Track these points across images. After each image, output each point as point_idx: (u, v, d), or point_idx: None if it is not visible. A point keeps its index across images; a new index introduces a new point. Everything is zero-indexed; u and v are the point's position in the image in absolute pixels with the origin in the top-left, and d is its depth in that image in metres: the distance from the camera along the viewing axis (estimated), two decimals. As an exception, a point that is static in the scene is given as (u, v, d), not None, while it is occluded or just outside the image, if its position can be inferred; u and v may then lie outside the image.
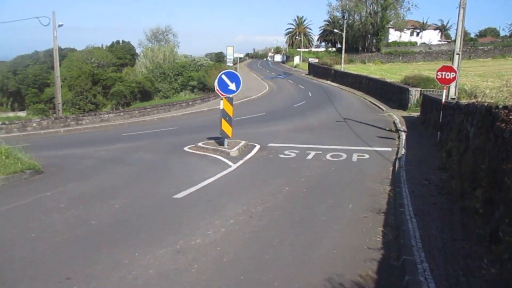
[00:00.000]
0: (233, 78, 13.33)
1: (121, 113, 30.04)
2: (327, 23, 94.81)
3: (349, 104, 30.24)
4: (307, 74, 64.37)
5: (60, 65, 32.12)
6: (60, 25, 27.92)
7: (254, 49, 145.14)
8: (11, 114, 50.29)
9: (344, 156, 12.30)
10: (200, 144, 14.19)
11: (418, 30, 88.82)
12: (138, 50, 72.60)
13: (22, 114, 47.95)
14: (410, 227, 5.75)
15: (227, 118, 13.14)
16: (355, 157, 12.14)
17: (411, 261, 4.63)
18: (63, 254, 5.02)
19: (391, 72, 47.18)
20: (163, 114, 30.70)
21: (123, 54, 72.70)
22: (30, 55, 66.22)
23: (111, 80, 51.05)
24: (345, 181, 9.42)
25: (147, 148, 14.90)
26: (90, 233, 5.86)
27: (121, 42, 76.12)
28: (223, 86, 13.23)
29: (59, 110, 29.03)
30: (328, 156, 12.25)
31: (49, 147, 17.26)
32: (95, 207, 7.18)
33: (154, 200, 7.80)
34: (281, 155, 12.58)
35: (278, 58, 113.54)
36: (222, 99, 13.25)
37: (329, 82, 49.91)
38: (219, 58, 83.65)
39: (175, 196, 7.88)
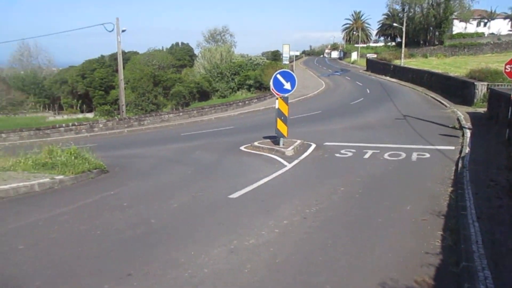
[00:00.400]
0: (288, 77, 13.32)
1: (180, 113, 30.98)
2: (386, 16, 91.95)
3: (410, 101, 29.17)
4: (365, 70, 62.86)
5: (123, 68, 33.71)
6: (123, 31, 29.26)
7: (310, 46, 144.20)
8: (80, 115, 53.43)
9: (403, 155, 11.90)
10: (255, 143, 14.33)
11: (486, 20, 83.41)
12: (196, 51, 74.58)
13: (90, 115, 50.77)
14: (472, 232, 5.47)
15: (282, 118, 13.16)
16: (414, 156, 11.72)
17: (471, 268, 4.41)
18: (125, 251, 5.29)
19: (455, 66, 44.93)
20: (220, 113, 31.29)
21: (182, 55, 74.95)
22: (96, 59, 69.97)
23: (171, 81, 52.81)
24: (403, 181, 9.12)
25: (205, 147, 15.28)
26: (149, 231, 6.13)
27: (180, 44, 78.54)
28: (278, 85, 13.27)
29: (123, 111, 30.47)
30: (386, 155, 11.92)
31: (113, 147, 18.20)
32: (154, 206, 7.49)
33: (210, 199, 8.00)
34: (337, 154, 12.41)
35: (335, 54, 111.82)
36: (277, 99, 13.29)
37: (388, 78, 48.43)
38: (276, 56, 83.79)
39: (231, 196, 8.03)
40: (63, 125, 26.61)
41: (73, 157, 10.59)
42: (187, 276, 4.58)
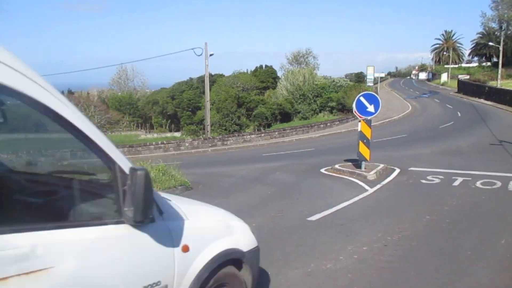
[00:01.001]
0: (372, 100, 13.06)
1: (262, 134, 31.57)
2: (481, 35, 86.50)
3: (507, 125, 27.03)
4: (456, 92, 59.50)
5: (210, 89, 35.26)
6: (211, 55, 30.80)
7: (396, 68, 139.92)
8: (168, 134, 56.65)
9: (498, 184, 11.00)
10: (336, 166, 14.14)
11: None
12: (279, 73, 75.68)
13: (177, 134, 53.60)
14: None
15: (364, 141, 12.88)
16: (511, 185, 10.79)
17: None
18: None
19: (560, 87, 40.90)
20: (301, 135, 31.38)
21: (265, 77, 76.53)
22: (185, 81, 74.10)
23: (254, 103, 54.11)
24: (498, 212, 8.41)
25: (285, 168, 15.38)
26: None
27: (264, 66, 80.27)
28: (361, 108, 13.05)
29: (208, 131, 31.77)
30: (478, 184, 11.11)
31: (198, 165, 19.00)
32: (234, 224, 7.67)
33: (289, 221, 8.02)
34: (423, 181, 11.82)
35: (423, 76, 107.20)
36: (360, 121, 13.07)
37: (482, 100, 45.37)
38: (359, 78, 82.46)
39: (309, 219, 7.99)
40: (153, 143, 28.40)
41: (161, 174, 11.26)
42: (264, 296, 4.63)
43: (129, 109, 66.20)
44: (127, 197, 2.57)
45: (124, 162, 2.68)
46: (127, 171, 2.63)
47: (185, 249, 3.04)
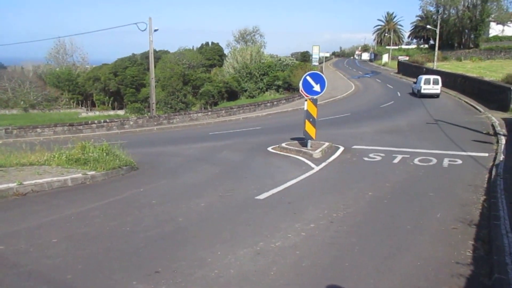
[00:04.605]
0: (318, 79, 13.25)
1: (209, 113, 31.28)
2: (420, 18, 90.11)
3: (442, 105, 28.54)
4: (396, 73, 61.90)
5: (155, 66, 34.23)
6: (155, 30, 29.75)
7: (340, 48, 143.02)
8: (112, 112, 54.62)
9: (434, 161, 11.65)
10: (283, 144, 14.32)
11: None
12: (226, 51, 75.01)
13: (121, 112, 51.82)
14: (506, 243, 5.30)
15: (311, 119, 13.10)
16: (446, 162, 11.45)
17: (504, 281, 4.27)
18: (153, 248, 5.39)
19: (491, 70, 43.62)
20: (248, 113, 31.41)
21: (212, 55, 75.58)
22: (128, 57, 71.46)
23: (201, 80, 53.35)
24: (434, 188, 8.91)
25: (232, 147, 15.37)
26: (177, 229, 6.22)
27: (210, 43, 79.17)
28: (308, 87, 13.22)
29: (153, 109, 30.97)
30: (416, 161, 11.70)
31: (143, 144, 18.54)
32: (182, 204, 7.59)
33: (237, 200, 8.04)
34: (366, 158, 12.26)
35: (365, 56, 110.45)
36: (306, 100, 13.24)
37: (420, 81, 47.35)
38: (305, 57, 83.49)
39: (257, 197, 8.06)
40: (95, 121, 27.30)
41: (104, 154, 10.85)
42: (213, 276, 4.63)
43: (68, 86, 62.96)
44: None
45: None
46: None
47: None
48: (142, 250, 5.31)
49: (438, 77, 33.18)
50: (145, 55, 63.58)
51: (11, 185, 7.85)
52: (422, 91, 32.70)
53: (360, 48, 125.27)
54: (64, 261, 4.92)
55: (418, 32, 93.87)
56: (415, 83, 35.90)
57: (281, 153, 13.54)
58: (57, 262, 4.87)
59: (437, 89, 32.59)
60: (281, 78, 48.52)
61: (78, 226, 6.19)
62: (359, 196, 8.23)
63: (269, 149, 14.25)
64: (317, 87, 13.21)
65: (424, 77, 33.78)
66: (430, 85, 32.62)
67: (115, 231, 6.03)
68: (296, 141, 14.70)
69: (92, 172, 9.60)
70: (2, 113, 51.29)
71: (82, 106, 62.02)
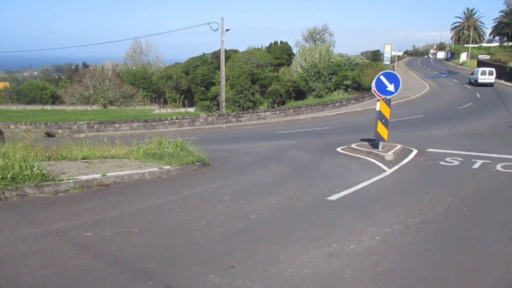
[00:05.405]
0: (392, 79, 12.83)
1: (277, 112, 31.40)
2: (504, 14, 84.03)
3: (527, 107, 26.46)
4: (475, 73, 58.30)
5: (224, 65, 34.98)
6: (227, 30, 30.42)
7: (414, 46, 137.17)
8: (182, 109, 56.74)
9: (520, 167, 10.84)
10: (353, 145, 14.03)
11: None
12: (294, 50, 74.80)
13: (191, 110, 53.64)
14: None
15: (383, 120, 12.72)
16: (533, 169, 10.61)
17: None
18: (228, 244, 5.50)
19: None
20: (316, 113, 31.14)
21: (280, 54, 75.66)
22: (199, 57, 73.70)
23: (268, 80, 53.68)
24: (520, 197, 8.28)
25: (300, 147, 15.31)
26: (250, 226, 6.30)
27: (279, 42, 79.25)
28: (381, 87, 12.84)
29: (222, 108, 31.68)
30: (498, 167, 10.95)
31: (212, 141, 19.03)
32: (254, 201, 7.67)
33: (308, 200, 7.99)
34: (442, 162, 11.68)
35: (441, 55, 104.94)
36: (379, 100, 12.87)
37: (502, 81, 44.42)
38: (376, 56, 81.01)
39: (329, 198, 7.95)
40: (168, 118, 28.47)
41: (179, 149, 11.27)
42: (287, 274, 4.63)
43: (143, 84, 66.28)
44: None
45: None
46: None
47: None
48: (218, 245, 5.44)
49: (493, 69, 41.64)
50: (215, 55, 65.25)
51: (96, 176, 8.38)
52: (479, 81, 40.72)
53: (435, 46, 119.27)
54: (146, 250, 5.16)
55: (502, 28, 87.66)
56: (472, 74, 44.90)
57: (351, 154, 13.28)
58: (139, 251, 5.12)
59: (492, 79, 40.51)
60: (350, 77, 47.55)
61: (156, 218, 6.47)
62: (436, 201, 7.85)
63: (338, 149, 14.03)
64: (391, 87, 12.79)
65: (480, 69, 42.85)
66: (486, 75, 40.76)
67: (191, 225, 6.23)
68: (367, 142, 14.34)
69: (168, 167, 9.99)
70: (84, 108, 55.17)
71: (155, 103, 64.99)
